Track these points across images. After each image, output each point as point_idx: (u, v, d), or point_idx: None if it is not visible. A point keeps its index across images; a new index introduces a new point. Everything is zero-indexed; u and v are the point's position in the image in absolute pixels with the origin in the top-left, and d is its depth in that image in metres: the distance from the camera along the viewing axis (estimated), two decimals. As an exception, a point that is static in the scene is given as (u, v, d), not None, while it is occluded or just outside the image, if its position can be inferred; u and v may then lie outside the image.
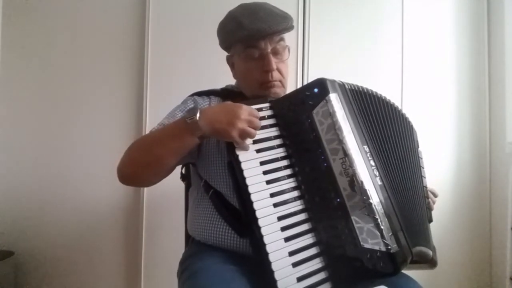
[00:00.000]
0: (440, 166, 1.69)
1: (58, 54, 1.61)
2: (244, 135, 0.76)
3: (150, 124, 1.53)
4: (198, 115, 0.76)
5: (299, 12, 1.60)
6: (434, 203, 0.98)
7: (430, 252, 0.85)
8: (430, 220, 0.91)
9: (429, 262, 0.85)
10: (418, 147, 0.94)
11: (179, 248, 1.03)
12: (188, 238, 1.04)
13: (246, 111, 0.77)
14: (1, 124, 1.62)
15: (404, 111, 0.93)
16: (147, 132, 1.48)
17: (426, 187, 0.92)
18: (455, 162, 1.70)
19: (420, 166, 0.91)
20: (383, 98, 0.88)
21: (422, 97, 1.67)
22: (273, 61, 0.91)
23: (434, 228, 1.61)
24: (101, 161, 1.58)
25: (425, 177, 0.92)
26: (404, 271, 0.79)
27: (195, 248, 0.95)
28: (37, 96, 1.61)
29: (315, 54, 1.61)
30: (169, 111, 0.97)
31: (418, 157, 0.93)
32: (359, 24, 1.65)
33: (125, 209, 1.58)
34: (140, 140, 0.88)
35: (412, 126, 0.94)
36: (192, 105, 0.96)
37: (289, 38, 0.92)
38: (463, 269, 1.69)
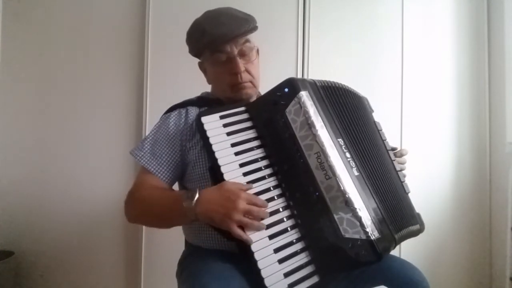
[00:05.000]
0: (440, 166, 1.68)
1: (58, 54, 1.61)
2: (243, 226, 0.74)
3: (150, 124, 1.53)
4: (194, 201, 0.75)
5: (299, 12, 1.60)
6: (404, 163, 0.99)
7: (419, 227, 0.89)
8: (408, 192, 0.93)
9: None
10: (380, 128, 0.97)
11: (178, 248, 1.03)
12: (187, 238, 1.05)
13: (245, 200, 0.74)
14: (1, 124, 1.62)
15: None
16: (147, 132, 1.48)
17: (395, 160, 0.94)
18: (455, 162, 1.70)
19: (383, 139, 0.94)
20: (352, 91, 0.92)
21: (422, 97, 1.67)
22: (241, 63, 0.92)
23: (435, 227, 1.63)
24: (101, 161, 1.57)
25: (390, 149, 0.94)
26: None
27: (193, 248, 0.96)
28: (37, 96, 1.61)
29: (315, 54, 1.60)
30: (153, 129, 0.96)
31: (381, 136, 0.95)
32: (359, 24, 1.64)
33: (125, 209, 1.58)
34: (140, 203, 0.88)
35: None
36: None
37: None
38: (463, 269, 1.69)
